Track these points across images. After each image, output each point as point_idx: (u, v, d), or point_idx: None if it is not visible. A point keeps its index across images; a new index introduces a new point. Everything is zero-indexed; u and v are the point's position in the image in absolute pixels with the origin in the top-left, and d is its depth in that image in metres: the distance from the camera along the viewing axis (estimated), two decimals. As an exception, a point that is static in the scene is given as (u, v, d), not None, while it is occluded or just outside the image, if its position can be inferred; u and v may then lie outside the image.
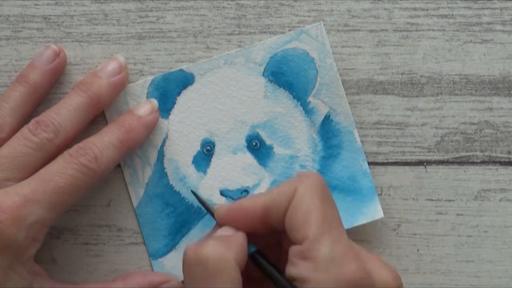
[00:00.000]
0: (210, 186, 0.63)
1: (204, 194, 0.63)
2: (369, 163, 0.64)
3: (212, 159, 0.63)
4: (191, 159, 0.63)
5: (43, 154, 0.59)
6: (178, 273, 0.63)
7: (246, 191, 0.63)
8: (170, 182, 0.63)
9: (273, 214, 0.55)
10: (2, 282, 0.56)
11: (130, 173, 0.63)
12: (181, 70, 0.63)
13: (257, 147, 0.63)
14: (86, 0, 0.63)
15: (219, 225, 0.58)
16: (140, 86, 0.63)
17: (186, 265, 0.54)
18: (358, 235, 0.64)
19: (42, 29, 0.63)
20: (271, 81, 0.63)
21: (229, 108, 0.63)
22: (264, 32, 0.63)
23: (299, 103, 0.63)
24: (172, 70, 0.63)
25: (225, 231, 0.57)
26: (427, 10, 0.63)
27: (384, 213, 0.63)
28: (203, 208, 0.63)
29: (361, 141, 0.63)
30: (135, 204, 0.64)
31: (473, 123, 0.64)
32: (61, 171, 0.57)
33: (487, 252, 0.64)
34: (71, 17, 0.63)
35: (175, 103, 0.63)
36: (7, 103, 0.61)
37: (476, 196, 0.64)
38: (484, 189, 0.64)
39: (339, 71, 0.63)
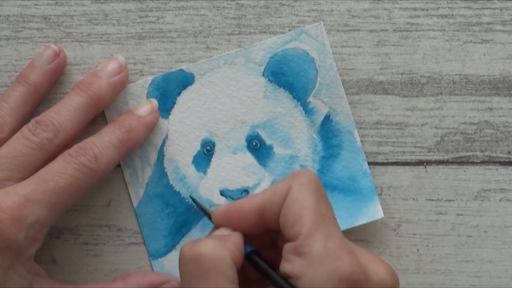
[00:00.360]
0: (210, 186, 0.63)
1: (204, 194, 0.63)
2: (369, 163, 0.64)
3: (212, 159, 0.63)
4: (191, 159, 0.63)
5: (43, 154, 0.59)
6: (178, 273, 0.63)
7: (246, 191, 0.63)
8: (170, 182, 0.63)
9: (268, 213, 0.56)
10: (2, 282, 0.56)
11: (130, 173, 0.63)
12: (181, 70, 0.63)
13: (257, 147, 0.63)
14: (86, 0, 0.63)
15: (216, 227, 0.58)
16: (140, 86, 0.63)
17: (182, 262, 0.54)
18: (358, 235, 0.64)
19: (42, 29, 0.63)
20: (271, 81, 0.63)
21: (229, 108, 0.63)
22: (264, 32, 0.63)
23: (299, 103, 0.63)
24: (172, 70, 0.63)
25: (221, 232, 0.57)
26: (427, 10, 0.63)
27: (384, 213, 0.63)
28: (203, 208, 0.63)
29: (361, 141, 0.63)
30: (135, 204, 0.64)
31: (473, 123, 0.64)
32: (61, 171, 0.57)
33: (487, 252, 0.64)
34: (71, 17, 0.63)
35: (175, 103, 0.63)
36: (7, 103, 0.61)
37: (476, 196, 0.64)
38: (484, 189, 0.64)
39: (339, 71, 0.63)
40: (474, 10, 0.63)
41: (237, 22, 0.63)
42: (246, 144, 0.63)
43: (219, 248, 0.54)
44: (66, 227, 0.64)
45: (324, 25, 0.63)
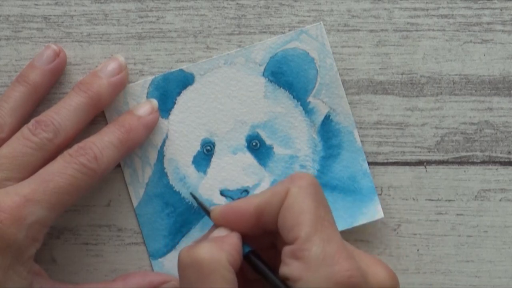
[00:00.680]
0: (210, 186, 0.63)
1: (204, 194, 0.63)
2: (369, 163, 0.64)
3: (212, 159, 0.63)
4: (191, 159, 0.63)
5: (43, 154, 0.59)
6: (178, 273, 0.63)
7: (246, 191, 0.63)
8: (170, 182, 0.63)
9: (266, 214, 0.56)
10: (2, 282, 0.56)
11: (130, 173, 0.63)
12: (181, 70, 0.63)
13: (257, 147, 0.63)
14: (86, 0, 0.63)
15: (215, 226, 0.58)
16: (140, 86, 0.63)
17: (180, 267, 0.55)
18: (358, 235, 0.64)
19: (42, 29, 0.63)
20: (271, 81, 0.63)
21: (229, 108, 0.63)
22: (264, 32, 0.63)
23: (299, 103, 0.63)
24: (172, 70, 0.63)
25: (219, 232, 0.57)
26: (427, 10, 0.63)
27: (384, 213, 0.63)
28: (203, 208, 0.63)
29: (361, 141, 0.63)
30: (135, 204, 0.64)
31: (473, 123, 0.64)
32: (61, 171, 0.57)
33: (487, 252, 0.64)
34: (71, 17, 0.63)
35: (175, 103, 0.63)
36: (7, 103, 0.61)
37: (476, 196, 0.64)
38: (484, 189, 0.64)
39: (339, 71, 0.63)
40: (474, 10, 0.63)
41: (237, 22, 0.63)
42: (246, 144, 0.63)
43: (216, 251, 0.54)
44: (66, 227, 0.64)
45: (324, 25, 0.63)
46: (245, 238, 0.57)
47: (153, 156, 0.63)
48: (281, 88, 0.63)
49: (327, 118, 0.63)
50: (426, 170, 0.64)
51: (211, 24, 0.63)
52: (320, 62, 0.63)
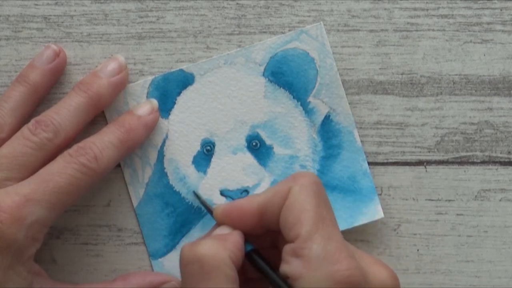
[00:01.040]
0: (210, 186, 0.63)
1: (204, 194, 0.63)
2: (369, 163, 0.64)
3: (212, 159, 0.63)
4: (191, 159, 0.63)
5: (43, 154, 0.59)
6: (178, 273, 0.63)
7: (246, 191, 0.63)
8: (170, 182, 0.63)
9: (268, 213, 0.56)
10: (2, 282, 0.56)
11: (130, 173, 0.63)
12: (181, 70, 0.63)
13: (257, 147, 0.63)
14: (86, 0, 0.63)
15: (218, 224, 0.58)
16: (140, 86, 0.63)
17: (182, 263, 0.54)
18: (358, 235, 0.64)
19: (42, 29, 0.63)
20: (271, 81, 0.63)
21: (229, 108, 0.63)
22: (264, 32, 0.63)
23: (299, 103, 0.63)
24: (172, 70, 0.63)
25: (222, 230, 0.57)
26: (427, 10, 0.63)
27: (384, 213, 0.63)
28: (203, 208, 0.63)
29: (361, 141, 0.63)
30: (135, 204, 0.64)
31: (473, 123, 0.64)
32: (61, 171, 0.58)
33: (487, 252, 0.64)
34: (71, 17, 0.63)
35: (175, 103, 0.63)
36: (7, 103, 0.61)
37: (476, 196, 0.64)
38: (484, 189, 0.64)
39: (339, 71, 0.63)
40: (474, 10, 0.63)
41: (237, 22, 0.63)
42: (246, 144, 0.63)
43: (219, 248, 0.54)
44: (66, 227, 0.64)
45: (324, 25, 0.63)
46: (247, 237, 0.57)
47: (153, 156, 0.63)
48: (281, 88, 0.63)
49: (327, 118, 0.63)
50: (426, 170, 0.64)
51: (211, 24, 0.63)
52: (320, 62, 0.63)
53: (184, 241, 0.63)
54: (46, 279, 0.61)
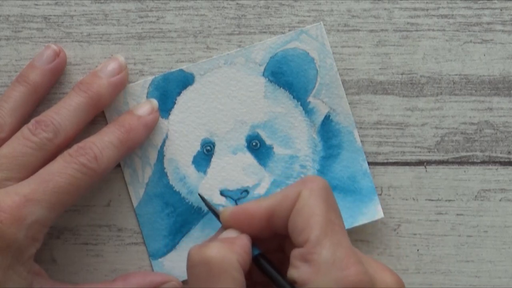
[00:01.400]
0: (210, 186, 0.63)
1: (204, 194, 0.63)
2: (369, 163, 0.64)
3: (212, 159, 0.63)
4: (191, 159, 0.63)
5: (43, 154, 0.59)
6: (178, 273, 0.63)
7: (246, 191, 0.63)
8: (170, 182, 0.63)
9: (277, 217, 0.55)
10: (2, 282, 0.56)
11: (130, 173, 0.63)
12: (181, 70, 0.63)
13: (257, 147, 0.63)
14: (86, 0, 0.63)
15: (224, 227, 0.58)
16: (140, 86, 0.63)
17: (190, 265, 0.54)
18: (358, 235, 0.64)
19: (42, 29, 0.63)
20: (271, 81, 0.63)
21: (229, 108, 0.63)
22: (264, 32, 0.63)
23: (299, 103, 0.63)
24: (172, 70, 0.63)
25: (229, 233, 0.57)
26: (427, 10, 0.63)
27: (384, 213, 0.63)
28: (203, 208, 0.63)
29: (361, 141, 0.63)
30: (135, 204, 0.64)
31: (473, 123, 0.64)
32: (61, 171, 0.58)
33: (487, 252, 0.64)
34: (71, 17, 0.63)
35: (175, 103, 0.63)
36: (7, 103, 0.61)
37: (476, 196, 0.64)
38: (484, 189, 0.64)
39: (339, 71, 0.63)
40: (474, 10, 0.63)
41: (237, 22, 0.63)
42: (246, 144, 0.63)
43: (227, 251, 0.54)
44: (66, 227, 0.64)
45: (324, 25, 0.63)
46: (253, 240, 0.56)
47: (153, 156, 0.63)
48: (281, 88, 0.63)
49: (327, 118, 0.63)
50: (426, 170, 0.64)
51: (211, 24, 0.63)
52: (320, 62, 0.63)
53: (184, 241, 0.63)
54: (46, 279, 0.61)
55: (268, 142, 0.63)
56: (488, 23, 0.63)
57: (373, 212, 0.63)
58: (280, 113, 0.63)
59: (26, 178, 0.58)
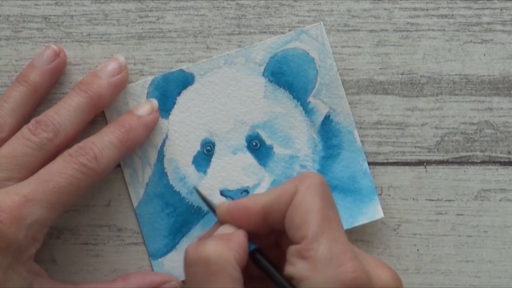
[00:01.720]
0: (210, 186, 0.63)
1: (204, 194, 0.63)
2: (369, 163, 0.64)
3: (212, 159, 0.63)
4: (191, 159, 0.63)
5: (43, 154, 0.59)
6: (178, 273, 0.63)
7: (246, 191, 0.63)
8: (170, 182, 0.63)
9: (273, 213, 0.55)
10: (2, 282, 0.56)
11: (130, 173, 0.63)
12: (181, 70, 0.63)
13: (257, 147, 0.63)
14: (86, 0, 0.63)
15: (221, 222, 0.58)
16: (140, 86, 0.63)
17: (187, 264, 0.54)
18: (358, 235, 0.64)
19: (42, 29, 0.63)
20: (271, 81, 0.63)
21: (229, 108, 0.63)
22: (264, 32, 0.63)
23: (299, 103, 0.63)
24: (172, 70, 0.63)
25: (226, 229, 0.57)
26: (427, 10, 0.63)
27: (384, 213, 0.63)
28: (203, 208, 0.63)
29: (361, 141, 0.63)
30: (135, 204, 0.64)
31: (473, 123, 0.64)
32: (61, 171, 0.58)
33: (487, 252, 0.64)
34: (71, 17, 0.63)
35: (175, 103, 0.63)
36: (7, 103, 0.61)
37: (476, 196, 0.64)
38: (484, 189, 0.64)
39: (339, 71, 0.63)
40: (474, 10, 0.63)
41: (237, 22, 0.63)
42: (246, 144, 0.63)
43: (224, 249, 0.54)
44: (66, 227, 0.64)
45: (324, 25, 0.63)
46: (249, 236, 0.56)
47: (153, 156, 0.63)
48: (281, 88, 0.63)
49: (327, 118, 0.63)
50: (426, 170, 0.64)
51: (211, 24, 0.63)
52: (320, 62, 0.63)
53: (184, 241, 0.63)
54: (46, 279, 0.61)
55: (268, 142, 0.63)
56: (488, 23, 0.63)
57: (373, 212, 0.63)
58: (280, 113, 0.63)
59: (26, 178, 0.58)
